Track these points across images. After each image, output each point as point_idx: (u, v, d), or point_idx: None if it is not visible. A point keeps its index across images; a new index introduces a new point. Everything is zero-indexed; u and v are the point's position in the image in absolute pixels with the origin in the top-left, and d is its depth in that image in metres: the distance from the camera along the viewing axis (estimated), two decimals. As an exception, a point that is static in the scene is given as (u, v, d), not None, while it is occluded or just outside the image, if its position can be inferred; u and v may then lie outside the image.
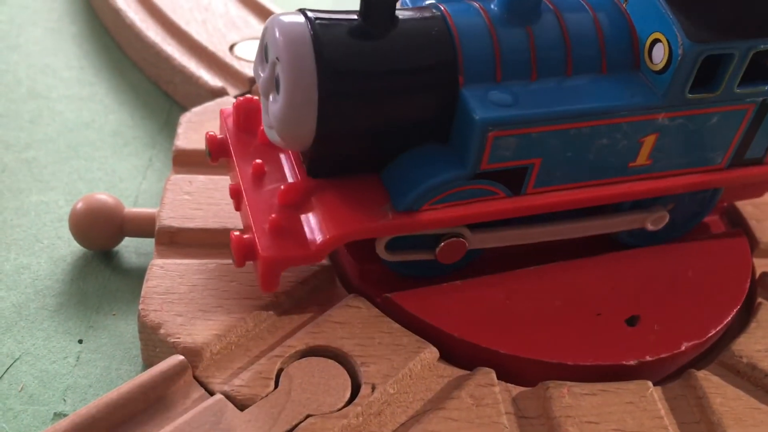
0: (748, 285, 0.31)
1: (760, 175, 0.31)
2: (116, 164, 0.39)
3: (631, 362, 0.28)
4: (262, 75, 0.26)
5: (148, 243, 0.34)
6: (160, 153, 0.40)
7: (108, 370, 0.29)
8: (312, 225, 0.27)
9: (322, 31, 0.25)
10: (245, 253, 0.26)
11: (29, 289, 0.32)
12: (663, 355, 0.28)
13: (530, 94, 0.26)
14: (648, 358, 0.28)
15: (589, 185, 0.29)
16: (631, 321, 0.29)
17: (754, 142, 0.30)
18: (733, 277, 0.31)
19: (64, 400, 0.28)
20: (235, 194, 0.29)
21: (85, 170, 0.39)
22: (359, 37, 0.25)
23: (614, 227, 0.31)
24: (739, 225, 0.35)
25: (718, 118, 0.28)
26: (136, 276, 0.33)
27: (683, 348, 0.28)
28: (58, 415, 0.28)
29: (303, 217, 0.27)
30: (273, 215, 0.26)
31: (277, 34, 0.25)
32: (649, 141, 0.28)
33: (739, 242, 0.33)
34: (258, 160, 0.29)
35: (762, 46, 0.27)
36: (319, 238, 0.26)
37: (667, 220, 0.31)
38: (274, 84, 0.26)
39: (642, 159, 0.28)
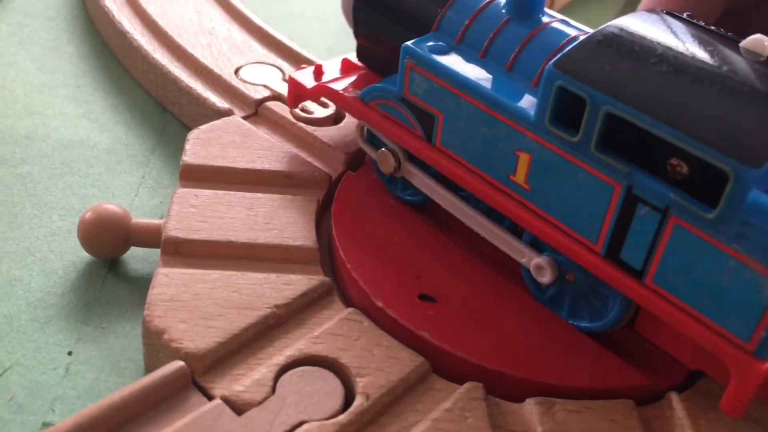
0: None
1: (637, 294, 0.27)
2: (109, 181, 0.40)
3: (379, 304, 0.30)
4: None
5: (142, 259, 0.35)
6: (153, 171, 0.41)
7: (96, 381, 0.30)
8: (327, 78, 0.37)
9: None
10: (290, 76, 0.38)
11: (21, 301, 0.32)
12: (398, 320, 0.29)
13: (461, 60, 0.31)
14: (381, 306, 0.30)
15: (479, 175, 0.31)
16: (425, 297, 0.31)
17: (627, 240, 0.27)
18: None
19: (53, 410, 0.28)
20: None
21: (79, 186, 0.39)
22: None
23: (505, 245, 0.31)
24: None
25: (584, 177, 0.27)
26: (127, 291, 0.33)
27: (418, 333, 0.29)
28: (47, 425, 0.28)
29: (338, 76, 0.38)
30: (320, 65, 0.38)
31: None
32: (524, 160, 0.28)
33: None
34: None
35: (614, 109, 0.25)
36: (318, 83, 0.37)
37: (546, 275, 0.30)
38: None
39: (520, 177, 0.29)
